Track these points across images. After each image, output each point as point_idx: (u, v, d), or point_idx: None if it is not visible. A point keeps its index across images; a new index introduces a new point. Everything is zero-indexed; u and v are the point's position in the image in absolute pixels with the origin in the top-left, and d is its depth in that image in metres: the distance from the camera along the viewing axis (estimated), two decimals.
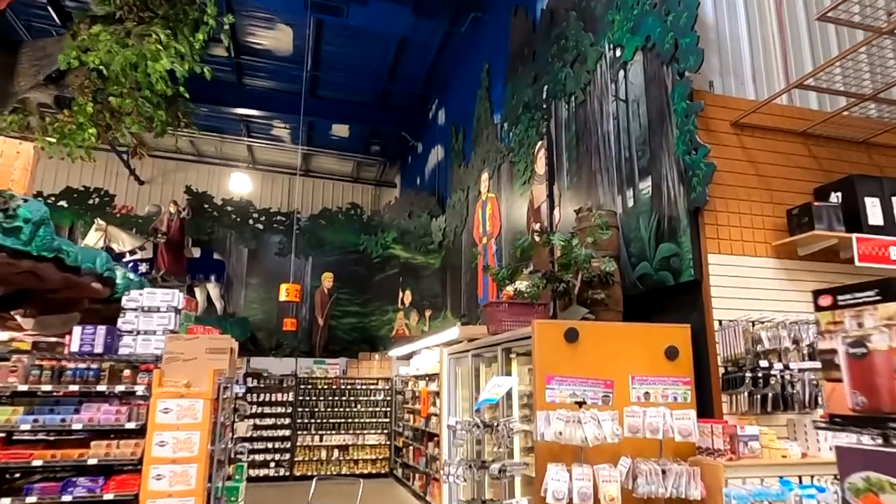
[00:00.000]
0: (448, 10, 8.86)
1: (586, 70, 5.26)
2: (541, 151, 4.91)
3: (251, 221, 13.02)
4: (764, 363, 3.40)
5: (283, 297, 7.51)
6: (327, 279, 12.13)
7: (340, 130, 13.42)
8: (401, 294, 10.82)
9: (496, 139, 7.65)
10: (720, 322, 3.65)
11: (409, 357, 10.93)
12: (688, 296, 3.87)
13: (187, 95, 7.30)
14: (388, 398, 11.10)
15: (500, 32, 8.07)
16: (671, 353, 3.60)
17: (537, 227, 4.96)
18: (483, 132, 8.25)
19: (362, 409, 10.97)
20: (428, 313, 10.19)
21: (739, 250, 3.82)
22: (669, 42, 4.08)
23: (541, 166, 4.90)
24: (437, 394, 7.52)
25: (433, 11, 8.70)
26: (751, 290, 3.78)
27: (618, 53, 4.79)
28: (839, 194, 3.84)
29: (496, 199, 5.96)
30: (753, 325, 3.55)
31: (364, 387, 11.08)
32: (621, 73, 4.72)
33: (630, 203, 4.46)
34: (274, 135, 13.63)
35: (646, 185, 4.29)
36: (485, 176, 6.15)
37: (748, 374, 3.43)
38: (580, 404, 3.10)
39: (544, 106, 6.11)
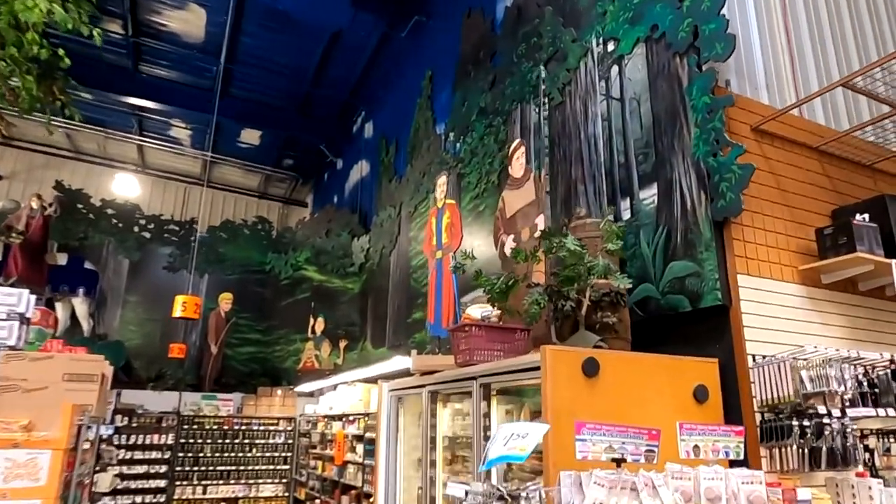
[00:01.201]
0: (390, 9, 8.11)
1: (566, 68, 4.64)
2: (518, 152, 4.17)
3: (136, 228, 11.21)
4: (820, 409, 2.77)
5: (177, 313, 6.11)
6: (225, 301, 10.58)
7: (250, 137, 12.12)
8: (312, 321, 9.60)
9: (440, 150, 6.88)
10: (753, 357, 3.00)
11: (316, 394, 9.67)
12: (708, 324, 3.20)
13: (67, 61, 5.88)
14: (290, 441, 9.66)
15: (447, 37, 7.42)
16: (700, 395, 2.88)
17: (510, 238, 4.17)
18: (423, 143, 7.47)
19: (258, 455, 9.44)
20: (343, 344, 9.04)
21: (767, 273, 3.23)
22: (685, 30, 3.52)
23: (519, 169, 4.15)
24: (360, 437, 6.40)
25: (375, 6, 7.90)
26: (778, 320, 3.18)
27: (610, 48, 4.20)
28: (865, 216, 3.37)
29: (456, 206, 5.14)
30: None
31: (262, 428, 9.58)
32: (615, 69, 4.12)
33: (626, 215, 3.80)
34: (171, 136, 12.05)
35: (649, 194, 3.65)
36: (441, 179, 5.33)
37: (794, 423, 2.78)
38: (618, 461, 2.26)
39: (507, 109, 5.45)
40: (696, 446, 2.47)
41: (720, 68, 3.44)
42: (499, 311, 4.04)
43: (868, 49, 4.48)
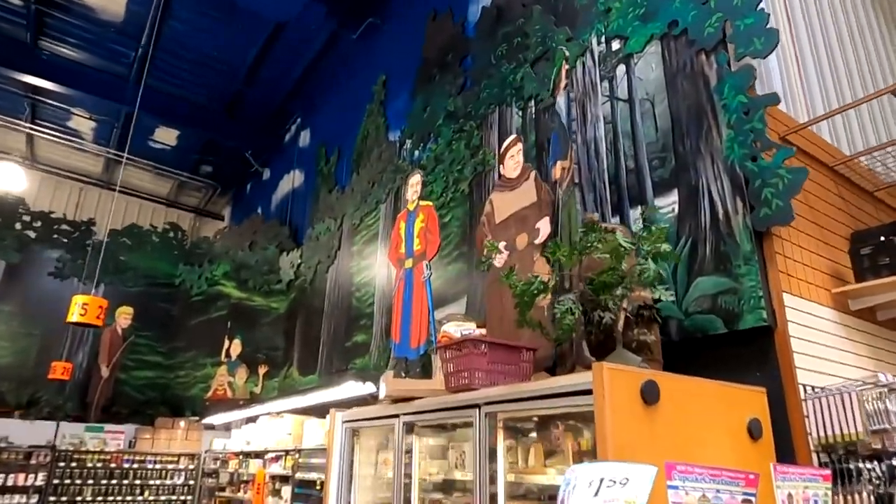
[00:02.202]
0: (343, 6, 7.52)
1: (559, 68, 4.25)
2: (513, 149, 3.68)
3: (18, 226, 9.58)
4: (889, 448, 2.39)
5: (73, 317, 4.93)
6: (124, 316, 9.18)
7: (166, 137, 10.93)
8: (227, 343, 8.49)
9: (395, 157, 6.29)
10: (804, 388, 2.61)
11: (227, 427, 8.52)
12: (747, 348, 2.79)
13: None
14: (192, 482, 8.36)
15: (404, 40, 6.95)
16: (755, 430, 2.42)
17: (500, 246, 3.62)
18: (372, 151, 6.85)
19: (151, 498, 8.07)
20: (262, 370, 8.03)
21: (806, 293, 2.89)
22: (713, 26, 3.22)
23: (514, 168, 3.65)
24: (287, 479, 5.48)
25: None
26: (819, 346, 2.83)
27: (615, 46, 3.85)
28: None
29: (433, 209, 4.54)
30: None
31: (158, 466, 8.23)
32: (621, 68, 3.76)
33: (636, 225, 3.37)
34: (71, 127, 10.61)
35: (667, 202, 3.25)
36: (415, 179, 4.73)
37: (863, 465, 2.39)
38: None
39: (482, 113, 4.98)
40: (789, 494, 1.99)
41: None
42: (482, 330, 3.47)
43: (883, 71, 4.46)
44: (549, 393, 2.26)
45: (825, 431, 2.49)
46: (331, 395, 4.95)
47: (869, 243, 3.10)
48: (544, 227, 3.32)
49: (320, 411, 5.36)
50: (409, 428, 3.19)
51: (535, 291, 2.36)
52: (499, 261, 3.60)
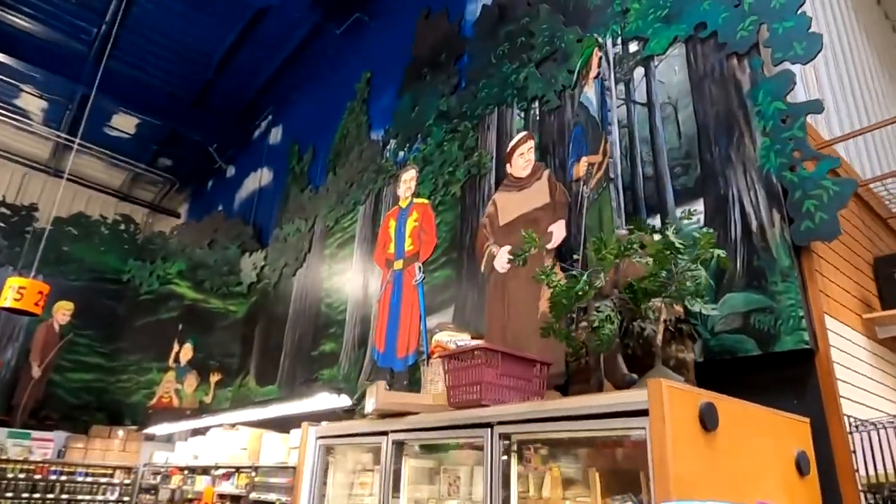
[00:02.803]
0: (329, 1, 7.18)
1: (568, 70, 4.02)
2: (523, 147, 3.40)
3: None
4: None
5: (6, 302, 4.25)
6: (62, 311, 8.39)
7: (124, 124, 10.26)
8: (176, 348, 7.85)
9: (378, 157, 5.95)
10: (849, 419, 2.37)
11: (172, 438, 7.86)
12: (782, 373, 2.55)
13: None
14: (127, 498, 7.60)
15: (391, 39, 6.67)
16: (803, 464, 2.16)
17: (503, 250, 3.31)
18: (353, 150, 6.48)
19: None
20: (214, 378, 7.44)
21: (843, 317, 2.68)
22: (747, 29, 3.04)
23: (524, 166, 3.36)
24: (238, 499, 4.95)
25: None
26: (858, 375, 2.62)
27: (632, 48, 3.63)
28: None
29: (429, 207, 4.18)
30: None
31: (90, 479, 7.44)
32: (639, 70, 3.55)
33: (653, 236, 3.12)
34: (18, 105, 9.84)
35: (691, 211, 3.01)
36: (409, 174, 4.38)
37: None
38: None
39: (479, 113, 4.71)
40: None
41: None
42: (479, 342, 3.13)
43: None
44: (588, 413, 1.93)
45: (874, 469, 2.25)
46: (299, 408, 4.49)
47: (881, 270, 2.94)
48: (558, 230, 3.03)
49: (282, 425, 4.88)
50: (400, 447, 2.81)
51: (580, 293, 2.04)
52: (501, 265, 3.28)
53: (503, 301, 3.19)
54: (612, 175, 2.99)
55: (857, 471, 2.27)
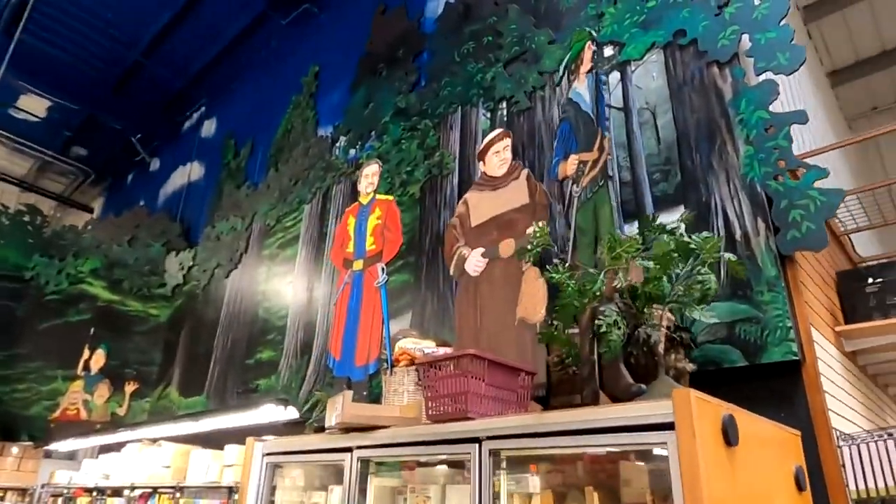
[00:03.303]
0: None
1: (538, 71, 3.91)
2: (499, 145, 3.23)
3: None
4: None
5: None
6: None
7: (33, 106, 9.32)
8: (87, 354, 7.07)
9: (327, 154, 5.63)
10: (836, 433, 2.33)
11: (77, 455, 7.08)
12: (767, 386, 2.49)
13: None
14: None
15: (342, 32, 6.40)
16: (801, 479, 2.08)
17: (475, 253, 3.11)
18: (298, 146, 6.11)
19: None
20: (130, 388, 6.77)
21: (822, 329, 2.67)
22: (728, 38, 3.03)
23: (499, 165, 3.19)
24: None
25: None
26: (837, 388, 2.60)
27: (608, 52, 3.57)
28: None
29: (394, 204, 3.91)
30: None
31: None
32: (615, 75, 3.48)
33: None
34: None
35: (671, 219, 2.93)
36: (372, 168, 4.09)
37: None
38: None
39: (441, 112, 4.52)
40: None
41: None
42: (447, 349, 2.92)
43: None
44: (599, 427, 1.75)
45: (864, 483, 2.21)
46: (234, 421, 4.08)
47: (863, 283, 2.98)
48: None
49: (212, 440, 4.44)
50: (365, 465, 2.52)
51: (596, 293, 1.87)
52: (474, 268, 3.09)
53: (475, 306, 2.99)
54: (609, 173, 2.87)
55: (847, 485, 2.23)
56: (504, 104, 4.09)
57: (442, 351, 2.93)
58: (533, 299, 2.73)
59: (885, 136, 4.13)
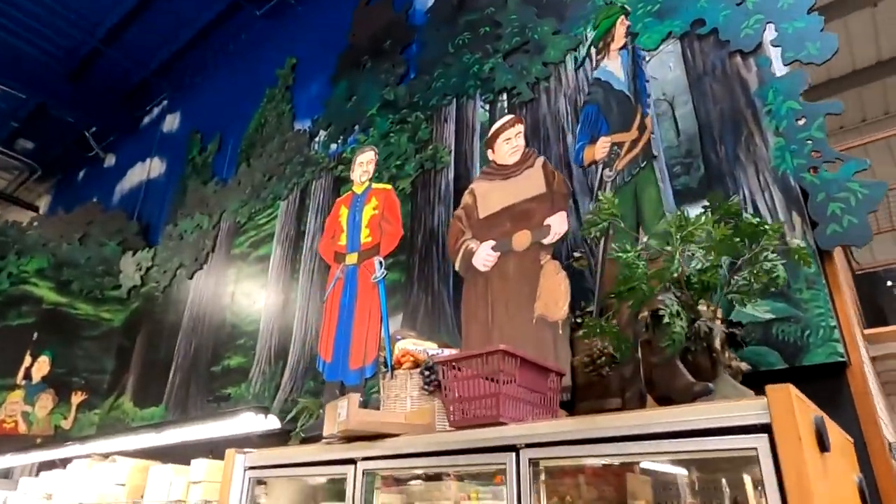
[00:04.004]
0: None
1: (542, 62, 3.73)
2: (510, 131, 3.01)
3: None
4: None
5: None
6: None
7: None
8: (28, 361, 6.45)
9: (306, 148, 5.30)
10: (888, 443, 2.17)
11: (7, 474, 6.42)
12: (809, 389, 2.31)
13: None
14: None
15: (323, 23, 6.12)
16: (866, 491, 1.90)
17: (485, 246, 2.87)
18: (273, 141, 5.76)
19: None
20: (77, 398, 6.20)
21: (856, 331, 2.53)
22: (752, 28, 2.91)
23: (510, 153, 2.97)
24: None
25: None
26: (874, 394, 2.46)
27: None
28: None
29: (393, 193, 3.62)
30: None
31: None
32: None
33: (647, 239, 2.83)
34: None
35: (694, 214, 2.76)
36: (367, 156, 3.79)
37: None
38: None
39: (434, 104, 4.29)
40: None
41: None
42: (451, 350, 2.67)
43: None
44: (673, 431, 1.52)
45: None
46: (207, 432, 3.67)
47: (892, 286, 2.88)
48: (558, 223, 2.65)
49: (180, 454, 4.01)
50: (371, 479, 2.22)
51: (673, 274, 1.64)
52: (483, 262, 2.84)
53: (486, 303, 2.74)
54: (654, 152, 2.67)
55: None
56: (504, 96, 3.88)
57: (447, 353, 2.66)
58: (553, 295, 2.50)
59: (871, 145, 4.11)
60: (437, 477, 2.44)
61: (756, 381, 2.34)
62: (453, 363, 2.09)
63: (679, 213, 1.72)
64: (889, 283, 2.96)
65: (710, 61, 3.02)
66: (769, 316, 2.15)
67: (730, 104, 2.87)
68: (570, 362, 2.39)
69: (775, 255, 1.76)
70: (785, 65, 2.76)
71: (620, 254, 1.69)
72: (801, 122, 2.62)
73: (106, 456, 4.51)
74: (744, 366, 1.97)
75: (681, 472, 1.97)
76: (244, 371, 4.65)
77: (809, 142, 2.56)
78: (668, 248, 1.63)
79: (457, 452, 1.96)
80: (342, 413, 2.16)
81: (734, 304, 1.85)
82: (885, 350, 2.83)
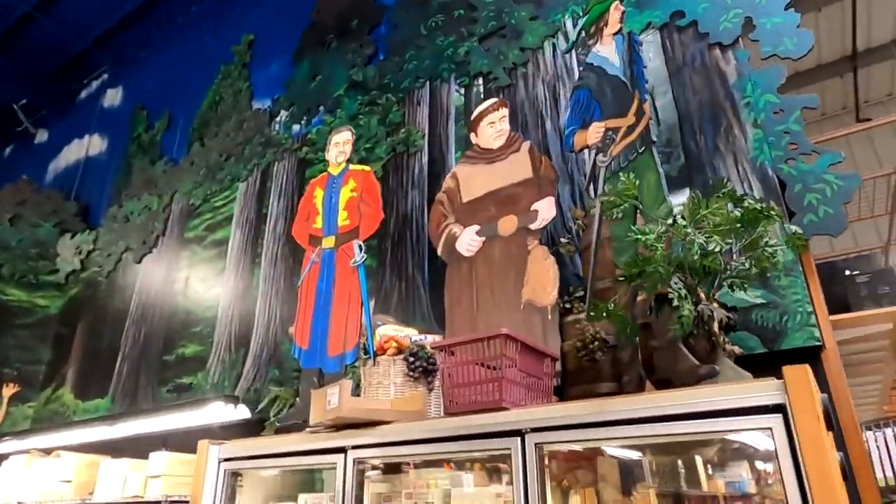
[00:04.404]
0: None
1: (520, 47, 3.70)
2: (494, 115, 2.97)
3: None
4: None
5: None
6: None
7: None
8: None
9: (267, 129, 5.09)
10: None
11: None
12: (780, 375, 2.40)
13: None
14: None
15: (281, 1, 5.87)
16: (845, 469, 1.98)
17: (468, 231, 2.83)
18: (230, 120, 5.51)
19: None
20: (9, 391, 5.77)
21: None
22: (731, 21, 2.97)
23: (494, 136, 2.92)
24: None
25: None
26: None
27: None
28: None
29: (371, 175, 3.49)
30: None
31: None
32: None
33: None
34: None
35: (675, 202, 2.81)
36: (344, 136, 3.64)
37: None
38: None
39: (406, 86, 4.20)
40: None
41: None
42: (435, 337, 2.63)
43: None
44: (671, 414, 1.53)
45: (893, 471, 2.17)
46: (166, 424, 3.47)
47: (852, 274, 3.02)
48: (545, 208, 2.63)
49: (133, 449, 3.79)
50: (361, 469, 2.15)
51: (694, 256, 1.64)
52: (467, 247, 2.79)
53: (471, 288, 2.70)
54: (653, 138, 2.68)
55: (878, 477, 2.17)
56: (481, 80, 3.83)
57: (430, 339, 2.61)
58: (542, 280, 2.49)
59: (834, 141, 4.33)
60: (397, 468, 2.39)
61: (739, 365, 2.43)
62: (447, 348, 2.04)
63: (693, 195, 1.72)
64: (848, 273, 3.11)
65: (689, 53, 3.08)
66: (760, 300, 2.20)
67: (709, 95, 2.93)
68: (559, 348, 2.38)
69: (776, 240, 1.79)
70: (763, 58, 2.84)
71: (638, 235, 1.68)
72: (778, 115, 2.70)
73: (48, 451, 4.22)
74: (737, 349, 2.01)
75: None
76: (201, 360, 4.44)
77: (787, 134, 2.65)
78: (688, 231, 1.63)
79: (456, 439, 1.92)
80: (333, 400, 2.08)
81: (733, 288, 1.87)
82: (845, 336, 2.98)
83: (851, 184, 2.47)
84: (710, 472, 1.84)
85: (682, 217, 1.71)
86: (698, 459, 1.95)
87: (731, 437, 1.71)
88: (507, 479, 2.21)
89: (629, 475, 2.03)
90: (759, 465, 1.80)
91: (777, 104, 2.72)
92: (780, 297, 2.44)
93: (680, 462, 1.98)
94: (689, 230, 1.67)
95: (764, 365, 2.42)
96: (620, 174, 1.96)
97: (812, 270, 2.49)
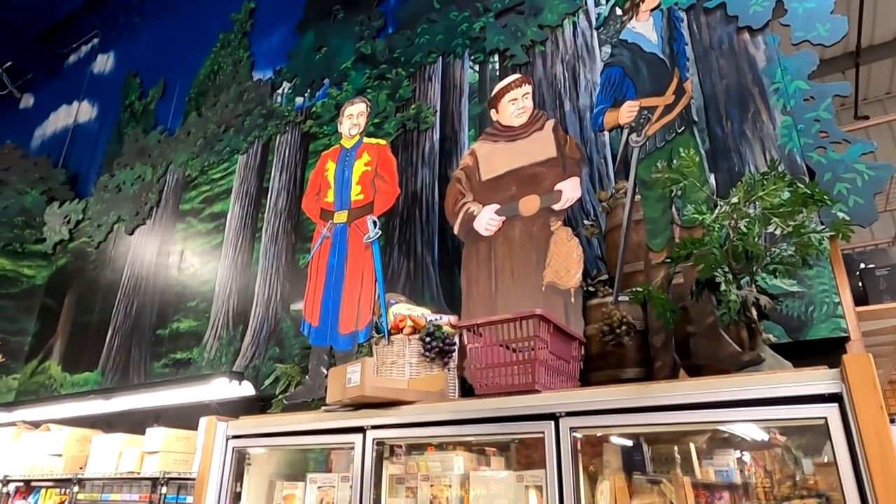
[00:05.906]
0: None
1: (538, 24, 3.60)
2: (516, 91, 2.87)
3: None
4: None
5: None
6: None
7: None
8: None
9: (268, 100, 4.94)
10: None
11: None
12: (807, 364, 2.37)
13: None
14: None
15: None
16: None
17: (487, 210, 2.75)
18: (230, 90, 5.34)
19: None
20: None
21: None
22: (762, 5, 2.90)
23: (517, 114, 2.83)
24: None
25: None
26: None
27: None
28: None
29: (387, 150, 3.38)
30: None
31: None
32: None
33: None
34: None
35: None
36: (358, 108, 3.52)
37: None
38: None
39: (418, 61, 4.08)
40: None
41: None
42: (450, 317, 2.56)
43: None
44: (713, 401, 1.48)
45: None
46: (166, 399, 3.37)
47: (872, 267, 3.00)
48: (570, 189, 2.56)
49: (127, 423, 3.69)
50: (380, 451, 2.08)
51: (754, 238, 1.57)
52: (486, 227, 2.72)
53: (490, 269, 2.63)
54: (695, 118, 2.61)
55: None
56: (496, 57, 3.73)
57: (445, 319, 2.54)
58: (566, 262, 2.42)
59: None
60: (410, 450, 2.34)
61: None
62: (479, 328, 1.97)
63: (750, 175, 1.66)
64: (863, 266, 3.09)
65: (716, 36, 3.00)
66: (796, 289, 2.16)
67: (736, 80, 2.87)
68: (583, 331, 2.32)
69: (823, 225, 1.74)
70: (794, 44, 2.77)
71: (696, 216, 1.62)
72: (808, 102, 2.65)
73: (36, 424, 4.09)
74: (772, 337, 1.97)
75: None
76: (197, 335, 4.33)
77: (817, 122, 2.60)
78: (750, 212, 1.57)
79: (482, 421, 1.86)
80: (354, 378, 2.00)
81: (776, 274, 1.82)
82: (868, 327, 2.97)
83: (883, 174, 2.43)
84: (745, 459, 1.80)
85: (729, 200, 1.64)
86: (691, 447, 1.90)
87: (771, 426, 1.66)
88: (523, 463, 2.16)
89: (661, 462, 1.98)
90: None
91: (808, 91, 2.66)
92: (805, 287, 2.41)
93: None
94: (750, 212, 1.61)
95: (783, 355, 2.42)
96: (658, 155, 1.89)
97: (839, 260, 2.46)
